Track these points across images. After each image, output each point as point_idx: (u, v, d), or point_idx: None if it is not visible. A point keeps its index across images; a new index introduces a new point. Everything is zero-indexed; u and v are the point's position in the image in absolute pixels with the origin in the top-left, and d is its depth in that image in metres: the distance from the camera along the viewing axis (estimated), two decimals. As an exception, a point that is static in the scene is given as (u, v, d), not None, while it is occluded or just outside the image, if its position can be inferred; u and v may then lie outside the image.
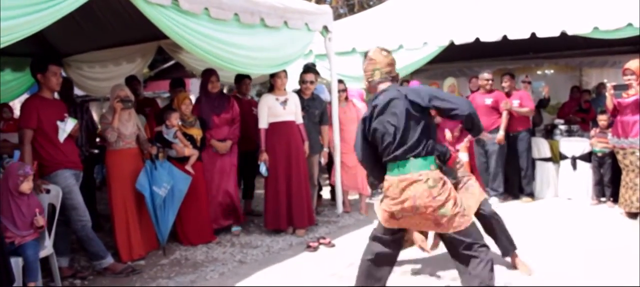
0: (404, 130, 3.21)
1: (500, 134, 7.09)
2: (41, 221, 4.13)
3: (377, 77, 3.42)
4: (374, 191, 8.07)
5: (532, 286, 4.21)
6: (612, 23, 6.35)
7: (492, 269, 3.23)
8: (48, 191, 4.41)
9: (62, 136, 4.60)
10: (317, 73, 6.69)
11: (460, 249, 3.27)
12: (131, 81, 6.85)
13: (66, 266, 4.80)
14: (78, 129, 4.92)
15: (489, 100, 7.21)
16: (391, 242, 3.48)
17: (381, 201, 3.41)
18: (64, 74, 7.47)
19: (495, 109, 7.19)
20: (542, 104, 8.41)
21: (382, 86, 3.40)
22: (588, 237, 5.45)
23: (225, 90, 8.76)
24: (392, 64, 3.45)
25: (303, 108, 6.19)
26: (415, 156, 3.20)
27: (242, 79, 6.91)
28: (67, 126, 4.64)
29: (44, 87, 4.60)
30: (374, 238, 3.53)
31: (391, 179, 3.28)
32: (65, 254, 4.82)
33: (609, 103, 6.21)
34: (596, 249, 5.05)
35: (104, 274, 4.80)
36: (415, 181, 3.18)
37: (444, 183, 3.21)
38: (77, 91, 8.48)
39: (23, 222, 4.07)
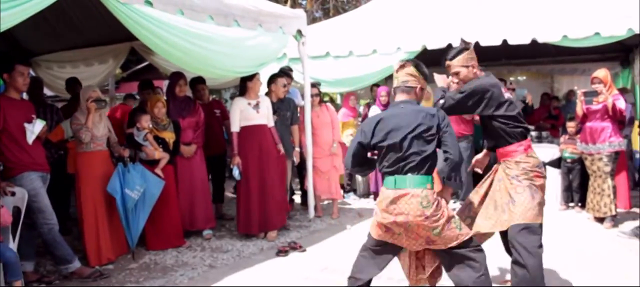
0: (408, 146, 3.24)
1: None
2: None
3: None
4: (346, 195, 8.09)
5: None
6: (580, 32, 6.53)
7: (486, 276, 3.25)
8: (13, 194, 4.31)
9: (30, 138, 4.51)
10: (289, 76, 6.66)
11: (452, 251, 3.27)
12: (73, 84, 6.91)
13: (31, 270, 4.71)
14: (46, 131, 4.83)
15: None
16: (381, 253, 3.43)
17: (375, 213, 3.39)
18: (33, 73, 7.34)
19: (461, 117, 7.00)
20: (526, 110, 8.40)
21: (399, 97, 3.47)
22: (559, 241, 5.52)
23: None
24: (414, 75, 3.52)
25: (274, 112, 6.16)
26: (414, 173, 3.22)
27: (195, 85, 6.66)
28: (36, 128, 4.55)
29: (11, 88, 4.52)
30: (363, 249, 3.51)
31: (387, 192, 3.29)
32: (30, 258, 4.72)
33: (579, 109, 6.31)
34: (568, 252, 5.13)
35: (70, 279, 4.71)
36: (409, 197, 3.20)
37: (438, 203, 3.21)
38: (47, 91, 8.33)
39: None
